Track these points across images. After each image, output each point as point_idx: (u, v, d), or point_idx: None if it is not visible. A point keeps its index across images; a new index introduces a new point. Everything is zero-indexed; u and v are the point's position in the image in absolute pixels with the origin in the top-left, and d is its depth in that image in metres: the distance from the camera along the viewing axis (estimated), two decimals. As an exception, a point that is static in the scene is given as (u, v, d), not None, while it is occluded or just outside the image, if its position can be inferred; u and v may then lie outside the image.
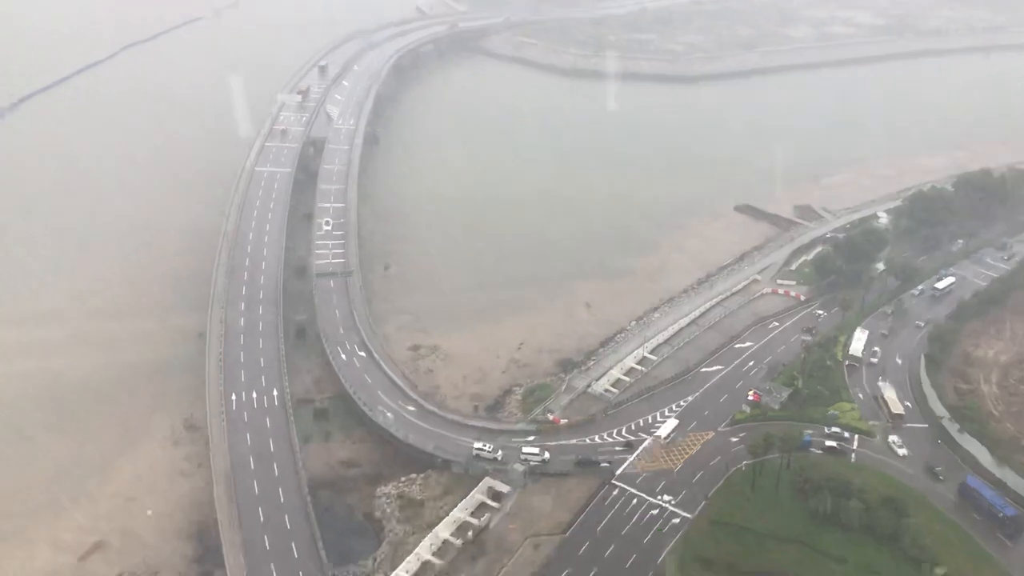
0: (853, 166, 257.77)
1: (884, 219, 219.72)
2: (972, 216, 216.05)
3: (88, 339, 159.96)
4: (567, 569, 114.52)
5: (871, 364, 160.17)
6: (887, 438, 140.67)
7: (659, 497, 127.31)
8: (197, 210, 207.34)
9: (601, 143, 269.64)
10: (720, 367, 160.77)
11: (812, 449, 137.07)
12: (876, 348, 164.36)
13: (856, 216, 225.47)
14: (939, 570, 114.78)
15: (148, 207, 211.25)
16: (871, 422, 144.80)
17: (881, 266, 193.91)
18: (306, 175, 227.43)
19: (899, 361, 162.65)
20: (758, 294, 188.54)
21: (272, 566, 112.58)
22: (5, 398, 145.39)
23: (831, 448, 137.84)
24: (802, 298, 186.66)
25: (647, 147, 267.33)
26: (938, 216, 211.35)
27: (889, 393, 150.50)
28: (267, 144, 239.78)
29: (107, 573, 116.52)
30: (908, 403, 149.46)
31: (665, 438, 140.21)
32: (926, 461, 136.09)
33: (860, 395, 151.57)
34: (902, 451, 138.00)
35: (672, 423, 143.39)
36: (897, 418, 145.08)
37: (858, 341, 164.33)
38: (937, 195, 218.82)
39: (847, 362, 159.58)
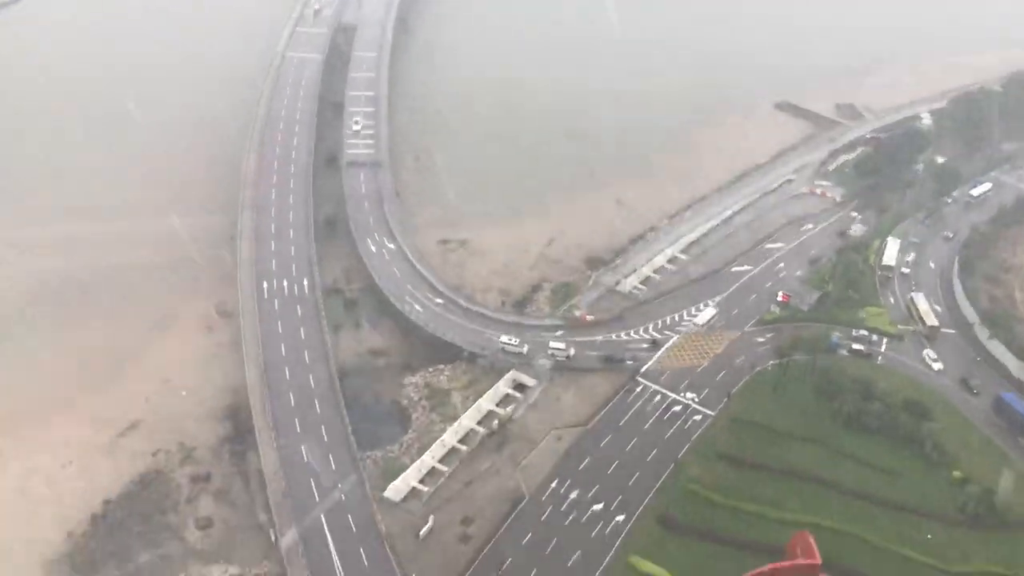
0: (899, 64, 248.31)
1: (927, 120, 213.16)
2: (1020, 119, 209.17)
3: (117, 230, 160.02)
4: (588, 460, 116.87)
5: (904, 274, 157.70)
6: (921, 351, 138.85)
7: (682, 394, 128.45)
8: (228, 95, 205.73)
9: (638, 35, 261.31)
10: (750, 267, 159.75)
11: (839, 351, 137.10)
12: (909, 258, 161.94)
13: (899, 116, 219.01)
14: (957, 473, 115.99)
15: (176, 93, 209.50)
16: (900, 326, 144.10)
17: (921, 168, 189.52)
18: (337, 62, 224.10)
19: (932, 266, 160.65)
20: (793, 194, 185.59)
21: (303, 448, 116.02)
22: (40, 289, 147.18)
23: (858, 351, 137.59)
24: (838, 199, 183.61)
25: (685, 40, 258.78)
26: (984, 118, 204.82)
27: (923, 304, 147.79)
28: (298, 29, 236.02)
29: (144, 450, 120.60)
30: (937, 307, 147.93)
31: (703, 325, 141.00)
32: (961, 375, 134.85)
33: (892, 300, 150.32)
34: (937, 365, 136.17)
35: (711, 311, 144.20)
36: (932, 330, 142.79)
37: (891, 250, 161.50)
38: (984, 96, 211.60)
39: (880, 272, 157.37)
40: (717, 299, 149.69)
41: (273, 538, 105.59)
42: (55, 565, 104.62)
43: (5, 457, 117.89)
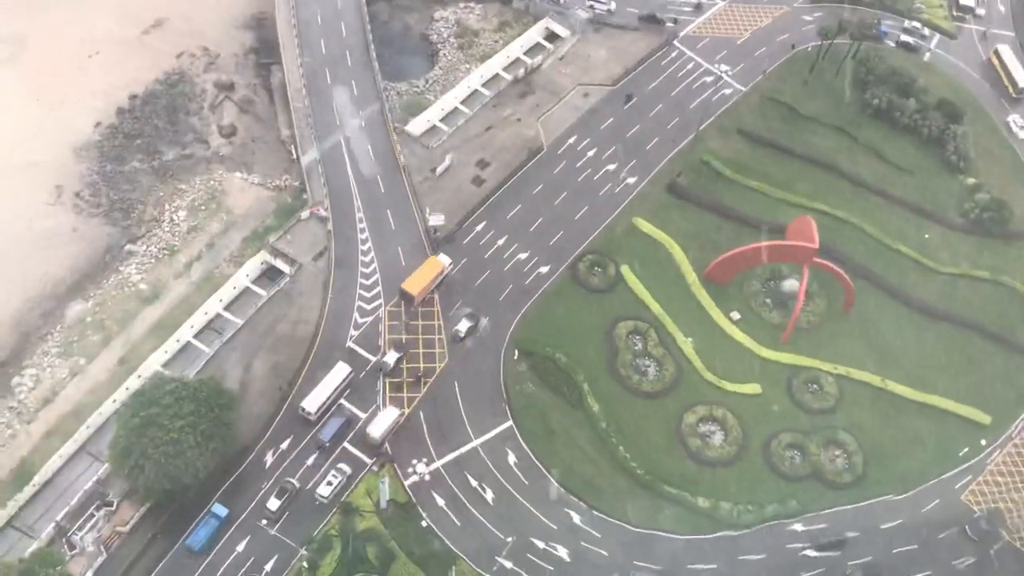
0: None
1: None
2: None
3: None
4: (610, 120, 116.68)
5: (979, 16, 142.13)
6: (1005, 117, 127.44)
7: (717, 65, 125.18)
8: None
9: None
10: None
11: (886, 41, 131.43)
12: None
13: None
14: (971, 180, 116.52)
15: None
16: (956, 24, 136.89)
17: None
18: None
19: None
20: None
21: (327, 70, 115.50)
22: None
23: (905, 44, 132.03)
24: None
25: None
26: None
27: (1011, 60, 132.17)
28: None
29: (169, 51, 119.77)
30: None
31: None
32: None
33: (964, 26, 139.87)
34: (1023, 133, 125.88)
35: None
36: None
37: None
38: None
39: (954, 12, 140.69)
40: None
41: (294, 155, 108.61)
42: (84, 151, 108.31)
43: (30, 41, 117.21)
